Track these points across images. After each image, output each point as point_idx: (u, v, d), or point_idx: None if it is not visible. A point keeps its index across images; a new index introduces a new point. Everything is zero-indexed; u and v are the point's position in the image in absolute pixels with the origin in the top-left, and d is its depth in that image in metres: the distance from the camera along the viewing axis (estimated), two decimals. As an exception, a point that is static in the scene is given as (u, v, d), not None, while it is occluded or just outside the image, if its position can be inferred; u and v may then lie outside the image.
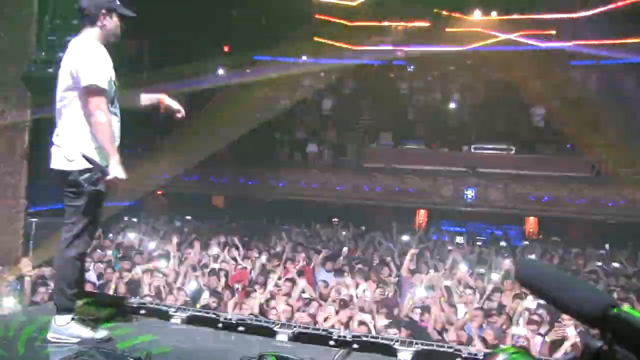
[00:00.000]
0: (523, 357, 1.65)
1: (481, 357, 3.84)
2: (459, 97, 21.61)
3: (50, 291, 8.53)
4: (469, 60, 22.03)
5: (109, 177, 4.01)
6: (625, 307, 1.46)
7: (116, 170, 4.02)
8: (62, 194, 4.18)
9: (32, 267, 11.28)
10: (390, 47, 21.50)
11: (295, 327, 4.45)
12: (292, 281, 10.31)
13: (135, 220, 16.75)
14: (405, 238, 16.26)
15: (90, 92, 4.02)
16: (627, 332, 1.39)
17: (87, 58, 4.08)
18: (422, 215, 19.30)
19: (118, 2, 4.34)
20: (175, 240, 13.55)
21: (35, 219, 13.41)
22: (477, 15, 20.79)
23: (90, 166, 4.09)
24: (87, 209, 4.15)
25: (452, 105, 21.59)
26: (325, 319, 8.67)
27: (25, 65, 11.86)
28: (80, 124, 4.11)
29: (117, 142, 4.22)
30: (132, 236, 14.34)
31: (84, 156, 4.07)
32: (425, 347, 4.08)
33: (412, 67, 22.78)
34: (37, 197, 13.56)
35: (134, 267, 11.22)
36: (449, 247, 15.05)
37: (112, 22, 4.26)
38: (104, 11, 4.21)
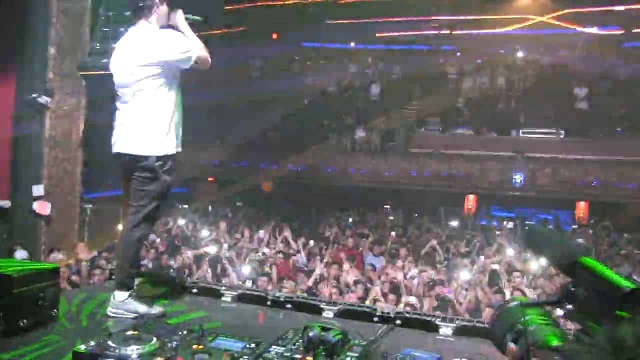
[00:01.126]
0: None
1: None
2: (507, 81, 21.38)
3: (105, 273, 8.85)
4: (517, 44, 21.75)
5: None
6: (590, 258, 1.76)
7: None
8: (131, 177, 4.40)
9: (87, 251, 11.70)
10: (438, 32, 21.35)
11: (340, 304, 4.62)
12: (340, 265, 10.47)
13: (186, 206, 17.11)
14: (454, 223, 16.29)
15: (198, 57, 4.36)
16: (588, 277, 1.67)
17: (171, 39, 4.33)
18: (471, 201, 19.22)
19: None
20: (224, 225, 13.89)
21: (90, 205, 13.89)
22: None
23: (165, 153, 4.33)
24: (157, 195, 4.39)
25: (500, 90, 21.38)
26: (373, 302, 8.81)
27: (80, 57, 12.23)
28: (157, 109, 4.33)
29: (181, 126, 4.49)
30: (182, 222, 14.67)
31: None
32: (466, 323, 4.20)
33: (460, 52, 22.59)
34: (91, 184, 14.04)
35: (185, 252, 11.52)
36: (497, 232, 15.02)
37: (163, 9, 4.48)
38: (157, 1, 4.44)
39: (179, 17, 4.52)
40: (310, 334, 3.09)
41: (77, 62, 12.19)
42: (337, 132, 20.79)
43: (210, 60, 4.47)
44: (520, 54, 21.85)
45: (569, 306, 1.86)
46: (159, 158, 4.31)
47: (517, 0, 19.86)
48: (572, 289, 1.81)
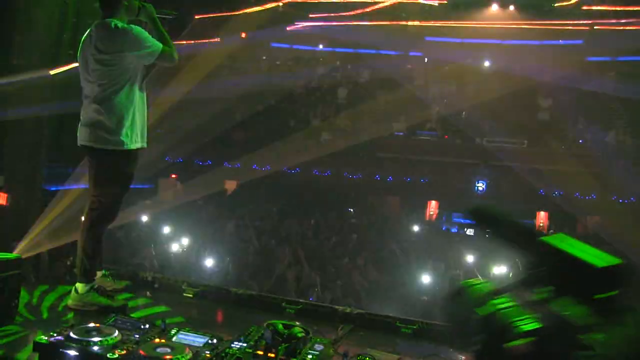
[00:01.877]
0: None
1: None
2: (473, 89, 21.63)
3: (65, 265, 8.76)
4: (485, 53, 22.02)
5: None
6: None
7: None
8: (93, 169, 4.40)
9: (50, 242, 11.50)
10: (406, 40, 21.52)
11: (301, 302, 4.66)
12: (299, 265, 10.50)
13: (148, 202, 16.94)
14: (415, 228, 16.40)
15: (162, 53, 4.36)
16: (553, 256, 1.69)
17: (132, 33, 4.32)
18: (433, 207, 19.36)
19: None
20: (189, 223, 13.83)
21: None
22: (494, 7, 20.78)
23: (126, 147, 4.33)
24: (117, 189, 4.39)
25: (466, 98, 21.61)
26: (331, 302, 8.87)
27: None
28: (119, 103, 4.32)
29: (144, 120, 4.51)
30: (146, 219, 14.52)
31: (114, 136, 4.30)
32: (425, 325, 4.27)
33: (427, 58, 22.80)
34: (55, 177, 13.85)
35: (148, 248, 11.44)
36: (457, 239, 15.18)
37: (132, 4, 4.49)
38: None
39: (149, 12, 4.52)
40: (272, 330, 3.12)
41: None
42: (303, 133, 20.79)
43: (176, 57, 4.47)
44: (487, 63, 22.13)
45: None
46: (119, 152, 4.31)
47: (486, 9, 20.07)
48: (535, 269, 1.81)
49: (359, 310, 4.48)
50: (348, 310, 4.43)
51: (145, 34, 4.34)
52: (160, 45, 4.33)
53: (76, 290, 4.32)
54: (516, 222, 1.90)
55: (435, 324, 4.38)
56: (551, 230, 17.72)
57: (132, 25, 4.36)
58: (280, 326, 3.15)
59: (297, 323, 3.29)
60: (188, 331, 3.37)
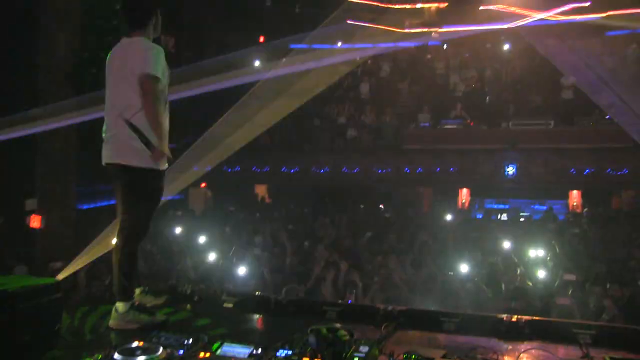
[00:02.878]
0: None
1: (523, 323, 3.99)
2: (495, 74, 21.47)
3: (103, 283, 8.84)
4: (502, 36, 21.83)
5: (153, 156, 4.24)
6: None
7: (161, 148, 4.26)
8: (120, 188, 4.41)
9: (86, 262, 11.60)
10: (425, 29, 21.37)
11: (342, 304, 4.63)
12: (337, 265, 10.45)
13: (180, 213, 17.07)
14: (448, 217, 16.31)
15: (146, 79, 4.23)
16: None
17: (148, 53, 4.30)
18: (464, 194, 19.25)
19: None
20: (220, 231, 13.87)
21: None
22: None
23: (154, 166, 4.33)
24: (146, 205, 4.39)
25: (488, 83, 21.45)
26: (371, 300, 8.81)
27: (73, 67, 12.22)
28: (144, 122, 4.31)
29: (167, 138, 4.47)
30: (178, 229, 14.62)
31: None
32: (469, 317, 4.21)
33: (446, 46, 22.63)
34: (86, 195, 14.00)
35: (183, 260, 11.48)
36: (493, 225, 15.06)
37: (158, 22, 4.50)
38: (156, 11, 4.48)
39: None
40: (316, 336, 3.10)
41: (66, 71, 12.18)
42: (329, 132, 20.78)
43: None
44: (506, 46, 21.95)
45: None
46: (149, 171, 4.32)
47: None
48: None
49: (400, 307, 4.43)
50: (390, 308, 4.38)
51: (161, 59, 4.33)
52: (157, 74, 4.27)
53: (116, 309, 4.33)
54: None
55: (477, 316, 4.33)
56: (585, 209, 17.54)
57: (156, 46, 4.37)
58: (324, 330, 3.11)
59: (340, 325, 3.25)
60: (232, 343, 3.36)
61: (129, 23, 4.48)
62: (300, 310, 4.54)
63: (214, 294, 5.01)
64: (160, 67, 4.28)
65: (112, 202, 4.74)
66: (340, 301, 5.61)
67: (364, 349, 3.18)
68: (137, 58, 4.28)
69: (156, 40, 4.55)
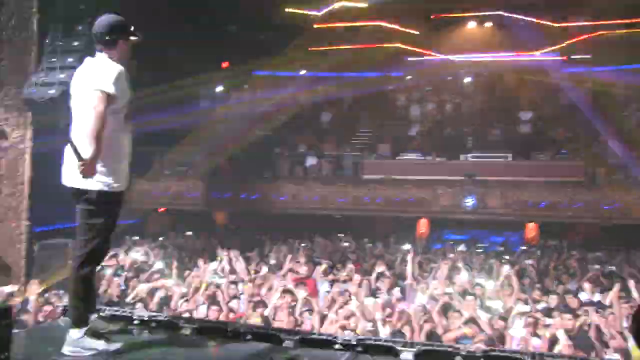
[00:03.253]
0: None
1: (479, 354, 4.01)
2: (455, 106, 21.84)
3: (56, 310, 8.66)
4: (463, 70, 22.25)
5: (80, 164, 4.14)
6: None
7: (91, 162, 4.14)
8: (77, 211, 4.35)
9: (37, 287, 11.38)
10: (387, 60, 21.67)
11: (301, 333, 4.61)
12: (293, 293, 10.42)
13: (137, 238, 16.85)
14: (406, 247, 16.38)
15: (97, 95, 4.17)
16: None
17: (107, 69, 4.28)
18: (423, 225, 19.39)
19: (131, 28, 4.55)
20: (178, 257, 13.74)
21: (39, 240, 13.56)
22: (471, 25, 21.01)
23: (112, 189, 4.28)
24: (103, 227, 4.33)
25: (448, 115, 21.80)
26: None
27: (26, 88, 11.98)
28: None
29: (129, 159, 4.44)
30: (135, 254, 14.44)
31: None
32: (426, 348, 4.23)
33: (409, 77, 22.94)
34: (40, 218, 13.71)
35: (139, 285, 11.34)
36: (450, 255, 15.16)
37: (125, 46, 4.49)
38: (123, 38, 4.46)
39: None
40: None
41: (22, 94, 11.96)
42: (289, 160, 20.83)
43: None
44: (467, 79, 22.35)
45: None
46: (102, 192, 4.26)
47: (463, 27, 20.29)
48: None
49: (359, 336, 4.43)
50: (348, 337, 4.38)
51: (121, 79, 4.29)
52: (109, 91, 4.23)
53: (70, 336, 4.25)
54: None
55: (434, 345, 4.35)
56: (541, 242, 17.82)
57: (117, 66, 4.34)
58: (284, 359, 3.10)
59: (299, 354, 3.24)
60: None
61: (96, 43, 4.47)
62: (258, 338, 4.50)
63: (171, 320, 4.94)
64: (116, 86, 4.25)
65: (70, 225, 4.67)
66: (297, 329, 5.56)
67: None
68: (93, 75, 4.27)
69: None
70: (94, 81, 4.22)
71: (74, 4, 12.39)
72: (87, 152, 4.12)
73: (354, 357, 4.07)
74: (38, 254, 13.26)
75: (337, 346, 4.27)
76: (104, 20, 4.49)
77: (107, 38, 4.42)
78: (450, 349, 4.18)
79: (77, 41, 12.05)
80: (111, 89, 4.20)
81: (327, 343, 4.33)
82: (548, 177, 18.29)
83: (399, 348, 4.22)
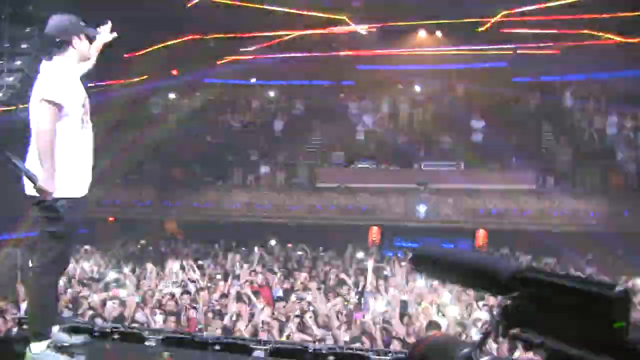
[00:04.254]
0: None
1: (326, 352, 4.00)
2: (407, 115, 22.03)
3: (9, 322, 8.37)
4: (416, 78, 22.44)
5: (37, 186, 4.00)
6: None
7: (46, 182, 3.98)
8: (36, 220, 4.20)
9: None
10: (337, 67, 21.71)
11: (270, 343, 4.54)
12: (250, 302, 10.34)
13: (87, 247, 16.49)
14: (360, 255, 16.43)
15: (44, 105, 4.03)
16: (536, 289, 1.43)
17: (54, 76, 4.14)
18: (375, 232, 19.47)
19: (84, 25, 4.41)
20: (130, 266, 13.49)
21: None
22: (422, 34, 21.21)
23: (65, 195, 4.12)
24: (60, 237, 4.17)
25: (400, 124, 21.98)
26: (287, 338, 8.71)
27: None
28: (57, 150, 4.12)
29: (90, 164, 4.30)
30: (85, 264, 14.14)
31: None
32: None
33: (360, 86, 23.04)
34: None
35: (90, 296, 11.05)
36: (402, 263, 15.24)
37: (83, 44, 4.34)
38: (74, 36, 4.28)
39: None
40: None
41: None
42: (241, 168, 20.69)
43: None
44: (418, 88, 22.56)
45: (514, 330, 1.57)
46: (58, 199, 4.12)
47: (415, 36, 20.45)
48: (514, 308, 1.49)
49: (330, 345, 4.39)
50: (318, 347, 4.33)
51: (67, 84, 4.16)
52: (54, 100, 4.11)
53: (30, 350, 4.07)
54: (478, 260, 1.61)
55: (403, 353, 4.33)
56: (490, 249, 18.06)
57: (64, 71, 4.21)
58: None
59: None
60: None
61: (49, 42, 4.32)
62: (226, 349, 4.41)
63: (134, 332, 4.81)
64: (62, 93, 4.11)
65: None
66: (264, 339, 5.47)
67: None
68: (41, 84, 4.14)
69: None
70: (40, 91, 4.09)
71: (22, 4, 12.13)
72: (39, 171, 3.99)
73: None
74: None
75: (307, 356, 4.21)
76: (52, 21, 4.34)
77: (57, 40, 4.28)
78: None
79: (26, 44, 11.79)
80: (56, 98, 4.06)
81: (297, 352, 4.28)
82: (499, 185, 18.61)
83: (370, 355, 4.19)
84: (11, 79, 11.54)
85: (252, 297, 10.63)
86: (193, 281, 12.42)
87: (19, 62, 11.95)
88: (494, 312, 1.50)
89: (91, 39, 4.43)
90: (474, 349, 1.51)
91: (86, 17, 4.44)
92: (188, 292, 11.25)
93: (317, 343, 4.41)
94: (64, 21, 4.33)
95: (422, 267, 1.74)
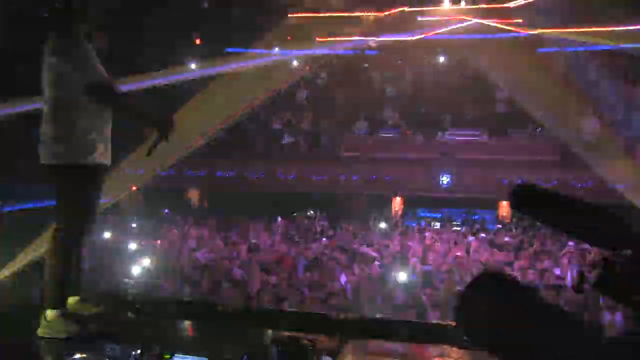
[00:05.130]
0: None
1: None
2: (431, 84, 21.75)
3: (31, 291, 8.40)
4: (440, 48, 22.16)
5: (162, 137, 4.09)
6: None
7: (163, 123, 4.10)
8: (57, 186, 4.15)
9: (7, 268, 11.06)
10: (362, 38, 21.49)
11: (293, 313, 4.48)
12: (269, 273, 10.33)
13: (110, 217, 16.55)
14: (382, 225, 16.36)
15: (94, 88, 4.03)
16: None
17: (80, 56, 4.07)
18: (397, 203, 19.38)
19: None
20: (153, 235, 13.53)
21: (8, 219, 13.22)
22: (446, 4, 20.88)
23: (89, 162, 4.07)
24: (86, 205, 4.13)
25: (424, 93, 21.72)
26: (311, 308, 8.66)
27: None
28: (77, 117, 4.08)
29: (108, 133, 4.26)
30: (109, 234, 14.19)
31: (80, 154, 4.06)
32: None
33: (384, 55, 22.77)
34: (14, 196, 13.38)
35: (114, 265, 11.11)
36: (426, 233, 15.16)
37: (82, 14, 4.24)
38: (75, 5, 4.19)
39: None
40: (280, 347, 2.94)
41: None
42: (264, 138, 20.60)
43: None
44: (442, 58, 22.26)
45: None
46: (80, 167, 4.06)
47: (439, 4, 20.15)
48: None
49: (353, 315, 4.31)
50: (342, 316, 4.26)
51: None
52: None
53: (45, 317, 4.05)
54: (576, 201, 1.42)
55: (432, 325, 4.25)
56: (514, 219, 17.89)
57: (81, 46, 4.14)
58: (287, 341, 2.96)
59: (301, 335, 3.09)
60: (184, 354, 3.16)
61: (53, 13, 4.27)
62: (250, 318, 4.35)
63: (157, 301, 4.76)
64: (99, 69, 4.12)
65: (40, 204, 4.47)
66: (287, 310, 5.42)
67: (327, 358, 3.04)
68: (76, 65, 4.08)
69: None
70: (82, 73, 4.05)
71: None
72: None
73: (348, 336, 3.93)
74: (10, 233, 12.92)
75: (331, 325, 4.13)
76: None
77: (60, 11, 4.21)
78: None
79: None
80: (102, 76, 4.12)
81: (321, 322, 4.20)
82: (524, 156, 18.34)
83: (396, 327, 4.11)
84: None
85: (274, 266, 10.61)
86: (216, 251, 12.43)
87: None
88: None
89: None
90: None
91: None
92: (212, 261, 11.26)
93: (341, 313, 4.30)
94: None
95: (525, 206, 1.53)
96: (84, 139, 4.07)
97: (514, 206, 1.55)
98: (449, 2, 20.88)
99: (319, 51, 22.33)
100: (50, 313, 4.06)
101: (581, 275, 1.45)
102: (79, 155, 4.07)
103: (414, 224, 17.75)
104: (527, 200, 1.55)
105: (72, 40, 4.14)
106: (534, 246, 13.36)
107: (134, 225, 16.19)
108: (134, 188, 19.90)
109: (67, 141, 4.08)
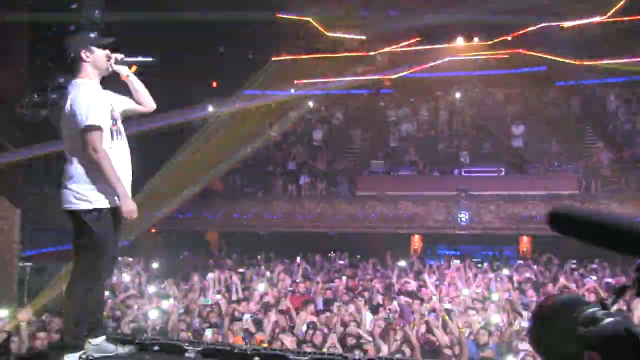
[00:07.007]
0: None
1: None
2: (447, 121, 21.86)
3: (51, 337, 8.44)
4: (455, 85, 22.31)
5: (123, 211, 4.10)
6: None
7: (126, 203, 4.11)
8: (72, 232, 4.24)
9: (30, 314, 11.08)
10: (376, 77, 21.72)
11: (312, 354, 4.47)
12: (292, 312, 10.28)
13: (130, 259, 16.64)
14: (401, 264, 16.27)
15: (85, 132, 4.08)
16: None
17: (80, 99, 4.15)
18: (416, 241, 19.32)
19: (93, 35, 4.40)
20: (173, 278, 13.55)
21: (29, 264, 13.30)
22: (459, 41, 21.07)
23: (95, 206, 4.14)
24: (93, 248, 4.19)
25: (440, 130, 21.82)
26: (329, 348, 8.61)
27: (18, 109, 11.81)
28: (82, 164, 4.17)
29: (129, 173, 4.32)
30: (127, 276, 14.24)
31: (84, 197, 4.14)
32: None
33: (398, 94, 22.97)
34: (32, 241, 13.48)
35: (133, 307, 11.11)
36: (446, 271, 15.06)
37: (95, 56, 4.29)
38: (83, 50, 4.25)
39: (117, 66, 4.40)
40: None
41: (14, 114, 11.78)
42: (281, 178, 20.71)
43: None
44: (458, 95, 22.38)
45: None
46: (86, 212, 4.14)
47: (453, 42, 20.36)
48: None
49: (370, 357, 4.31)
50: (359, 357, 4.26)
51: (94, 104, 4.19)
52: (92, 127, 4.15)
53: (64, 361, 4.09)
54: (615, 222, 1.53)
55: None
56: (535, 255, 17.75)
57: (87, 90, 4.22)
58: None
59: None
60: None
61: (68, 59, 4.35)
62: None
63: (175, 344, 4.78)
64: (96, 113, 4.14)
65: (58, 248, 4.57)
66: (306, 350, 5.40)
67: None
68: (74, 109, 4.16)
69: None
70: (78, 117, 4.11)
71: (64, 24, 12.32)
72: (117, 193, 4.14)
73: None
74: (30, 278, 13.02)
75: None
76: (64, 42, 4.38)
77: (71, 56, 4.28)
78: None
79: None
80: (95, 121, 4.11)
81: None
82: (542, 191, 18.25)
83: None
84: (55, 96, 11.70)
85: (293, 308, 10.57)
86: (234, 292, 12.41)
87: (61, 80, 12.03)
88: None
89: (105, 47, 4.37)
90: (603, 308, 1.48)
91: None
92: (230, 303, 11.25)
93: (358, 354, 4.29)
94: (67, 39, 4.37)
95: (561, 225, 1.61)
96: (82, 185, 4.16)
97: (551, 225, 1.66)
98: (463, 39, 21.06)
99: (334, 91, 22.60)
100: (68, 357, 4.11)
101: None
102: (73, 202, 4.18)
103: (433, 262, 17.65)
104: (561, 220, 1.65)
105: (77, 84, 4.25)
106: (558, 282, 13.22)
107: (154, 266, 16.23)
108: (153, 230, 20.05)
109: (66, 186, 4.20)
